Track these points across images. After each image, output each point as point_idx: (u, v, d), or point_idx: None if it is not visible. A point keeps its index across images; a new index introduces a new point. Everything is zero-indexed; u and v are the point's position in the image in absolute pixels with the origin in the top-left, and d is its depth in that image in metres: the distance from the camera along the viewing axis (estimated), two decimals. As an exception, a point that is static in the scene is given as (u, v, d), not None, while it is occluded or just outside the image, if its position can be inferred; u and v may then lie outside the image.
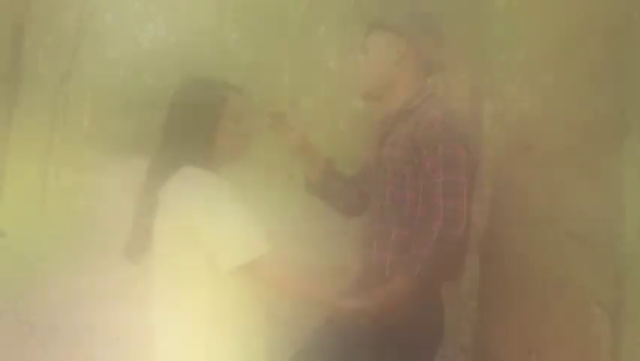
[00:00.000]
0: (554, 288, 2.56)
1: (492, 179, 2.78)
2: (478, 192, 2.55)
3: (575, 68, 2.58)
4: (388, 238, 2.60)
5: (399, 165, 2.56)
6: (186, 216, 2.34)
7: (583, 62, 2.57)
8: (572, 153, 2.57)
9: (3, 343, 5.37)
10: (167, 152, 2.50)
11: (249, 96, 2.62)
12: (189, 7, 20.20)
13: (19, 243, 9.51)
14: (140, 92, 26.95)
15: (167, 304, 2.48)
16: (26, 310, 6.37)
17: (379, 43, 2.66)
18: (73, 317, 6.18)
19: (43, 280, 7.77)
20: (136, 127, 25.78)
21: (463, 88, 7.51)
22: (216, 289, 2.41)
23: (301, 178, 2.81)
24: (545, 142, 2.59)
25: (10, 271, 7.89)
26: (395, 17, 2.68)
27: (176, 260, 2.42)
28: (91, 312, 6.36)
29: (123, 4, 22.50)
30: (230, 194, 2.40)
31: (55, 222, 11.99)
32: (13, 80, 10.88)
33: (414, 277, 2.39)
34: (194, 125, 2.49)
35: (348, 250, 3.11)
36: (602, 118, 2.57)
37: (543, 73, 2.63)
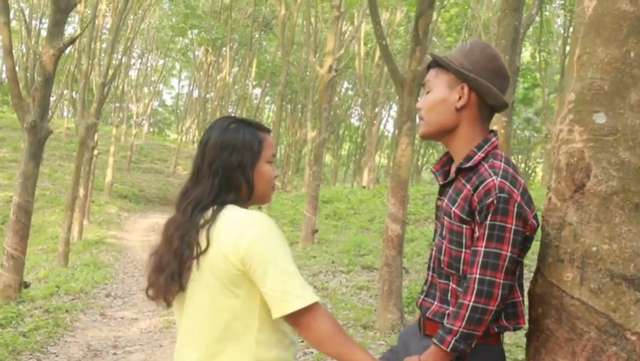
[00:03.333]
0: (608, 333, 2.58)
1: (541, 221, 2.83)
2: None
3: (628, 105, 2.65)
4: (448, 294, 2.74)
5: (455, 222, 2.67)
6: (245, 259, 2.50)
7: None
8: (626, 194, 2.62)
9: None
10: (207, 190, 2.66)
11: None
12: None
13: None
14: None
15: (206, 348, 2.60)
16: None
17: (441, 84, 2.77)
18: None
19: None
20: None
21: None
22: (251, 338, 2.57)
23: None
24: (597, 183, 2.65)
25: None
26: (459, 59, 2.78)
27: (222, 303, 2.58)
28: None
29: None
30: (284, 239, 2.59)
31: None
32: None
33: (445, 351, 2.57)
34: (237, 165, 2.67)
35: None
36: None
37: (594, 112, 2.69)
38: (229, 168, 2.65)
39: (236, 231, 2.53)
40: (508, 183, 2.57)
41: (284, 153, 42.03)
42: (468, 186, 2.66)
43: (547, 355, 2.68)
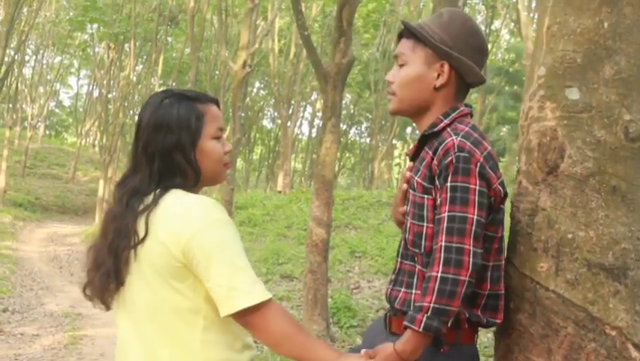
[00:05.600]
0: (586, 328, 2.51)
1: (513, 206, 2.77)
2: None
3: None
4: (414, 277, 2.62)
5: (418, 193, 2.57)
6: (187, 250, 2.34)
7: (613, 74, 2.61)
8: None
9: None
10: (146, 178, 2.48)
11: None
12: None
13: None
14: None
15: (146, 350, 2.46)
16: None
17: (417, 59, 2.69)
18: None
19: None
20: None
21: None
22: (195, 338, 2.41)
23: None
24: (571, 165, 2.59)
25: None
26: (439, 33, 2.69)
27: (162, 299, 2.42)
28: None
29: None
30: (234, 226, 2.43)
31: None
32: None
33: (418, 332, 2.38)
34: (174, 146, 2.48)
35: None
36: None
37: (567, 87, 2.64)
38: (166, 151, 2.47)
39: (178, 218, 2.36)
40: (469, 143, 2.48)
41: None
42: (430, 152, 2.58)
43: (520, 353, 2.59)
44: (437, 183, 2.49)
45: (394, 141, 45.15)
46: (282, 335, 2.35)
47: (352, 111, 47.12)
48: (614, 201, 2.53)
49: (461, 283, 2.37)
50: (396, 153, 51.53)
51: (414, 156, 2.75)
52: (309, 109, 48.45)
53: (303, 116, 49.96)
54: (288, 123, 34.97)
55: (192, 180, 2.51)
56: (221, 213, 2.40)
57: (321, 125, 9.79)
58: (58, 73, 53.47)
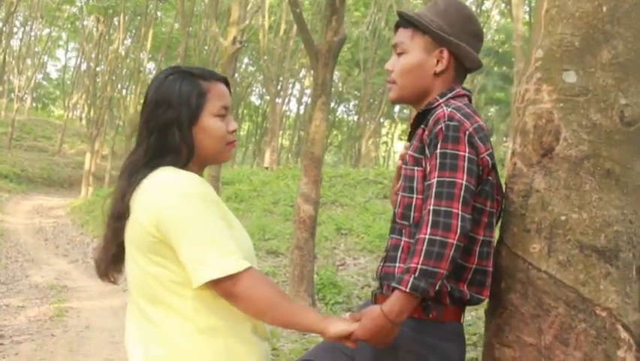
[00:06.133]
0: (577, 309, 2.54)
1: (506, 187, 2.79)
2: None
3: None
4: (398, 250, 2.63)
5: (409, 166, 2.60)
6: (159, 224, 2.34)
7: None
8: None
9: None
10: (143, 152, 2.48)
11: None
12: None
13: None
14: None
15: (141, 322, 2.45)
16: None
17: (416, 47, 2.72)
18: None
19: None
20: None
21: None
22: (187, 306, 2.38)
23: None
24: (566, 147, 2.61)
25: None
26: (436, 20, 2.72)
27: (148, 274, 2.41)
28: None
29: None
30: (210, 200, 2.39)
31: None
32: None
33: (405, 292, 2.37)
34: (172, 122, 2.47)
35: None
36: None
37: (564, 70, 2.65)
38: (164, 125, 2.45)
39: (153, 195, 2.36)
40: (459, 114, 2.50)
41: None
42: (422, 126, 2.62)
43: (511, 332, 2.61)
44: (427, 152, 2.52)
45: (382, 120, 45.20)
46: (265, 304, 2.32)
47: (341, 89, 47.03)
48: (607, 184, 2.55)
49: (449, 245, 2.37)
50: (383, 131, 51.64)
51: (410, 135, 2.78)
52: (297, 86, 48.41)
53: (291, 94, 49.90)
54: (277, 100, 34.91)
55: (185, 157, 2.48)
56: (195, 187, 2.36)
57: (309, 103, 9.77)
58: (46, 45, 53.19)
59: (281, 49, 35.19)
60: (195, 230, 2.30)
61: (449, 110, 2.51)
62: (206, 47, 36.70)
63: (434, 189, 2.43)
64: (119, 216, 2.43)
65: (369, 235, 16.14)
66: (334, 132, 53.75)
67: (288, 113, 52.17)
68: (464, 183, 2.42)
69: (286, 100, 44.05)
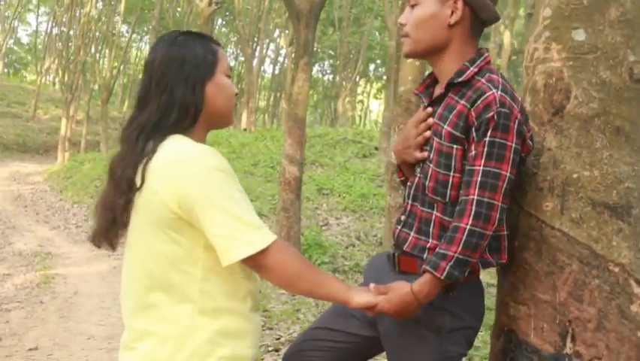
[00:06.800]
0: (590, 265, 2.57)
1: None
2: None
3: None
4: (430, 225, 2.63)
5: (445, 142, 2.56)
6: (182, 201, 2.30)
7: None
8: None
9: None
10: (154, 112, 2.43)
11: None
12: None
13: None
14: None
15: (141, 298, 2.44)
16: None
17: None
18: None
19: None
20: None
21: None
22: (193, 288, 2.39)
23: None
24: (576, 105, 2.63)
25: None
26: None
27: (157, 251, 2.39)
28: None
29: None
30: (230, 173, 2.38)
31: None
32: None
33: (439, 278, 2.44)
34: (187, 78, 2.45)
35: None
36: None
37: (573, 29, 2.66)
38: (178, 81, 2.42)
39: (174, 168, 2.32)
40: (508, 98, 2.47)
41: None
42: (462, 102, 2.55)
43: (525, 290, 2.64)
44: (474, 135, 2.49)
45: (357, 79, 45.08)
46: (291, 274, 2.36)
47: (316, 48, 46.84)
48: (617, 142, 2.57)
49: (485, 237, 2.43)
50: (359, 90, 51.48)
51: (433, 101, 2.73)
52: (272, 46, 48.11)
53: (266, 54, 49.62)
54: (254, 62, 34.71)
55: (191, 117, 2.45)
56: (216, 160, 2.34)
57: (285, 63, 9.72)
58: (17, 10, 52.45)
59: (256, 9, 34.94)
60: (223, 206, 2.29)
61: (499, 93, 2.47)
62: (179, 9, 36.38)
63: (479, 178, 2.44)
64: (131, 186, 2.37)
65: (351, 195, 16.21)
66: (310, 92, 53.53)
67: (263, 74, 51.96)
68: (508, 175, 2.44)
69: (262, 61, 43.76)
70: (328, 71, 55.11)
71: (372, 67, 47.52)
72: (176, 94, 2.43)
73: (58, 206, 20.24)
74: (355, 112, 50.91)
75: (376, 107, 63.86)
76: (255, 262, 2.33)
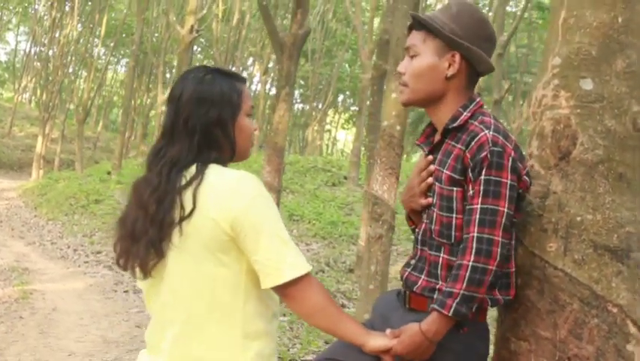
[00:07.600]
0: (590, 305, 2.60)
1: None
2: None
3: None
4: (438, 267, 2.66)
5: (446, 186, 2.61)
6: (235, 223, 2.34)
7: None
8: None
9: None
10: (185, 150, 2.46)
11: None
12: None
13: None
14: None
15: (189, 322, 2.44)
16: None
17: (428, 50, 2.69)
18: None
19: None
20: None
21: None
22: (238, 311, 2.42)
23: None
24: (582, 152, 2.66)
25: None
26: (449, 24, 2.69)
27: (207, 274, 2.41)
28: None
29: None
30: (272, 201, 2.45)
31: None
32: None
33: (446, 316, 2.46)
34: (216, 120, 2.49)
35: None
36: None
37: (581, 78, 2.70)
38: (208, 124, 2.46)
39: (226, 193, 2.35)
40: (501, 137, 2.52)
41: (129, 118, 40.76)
42: (459, 145, 2.60)
43: (527, 327, 2.66)
44: (470, 175, 2.53)
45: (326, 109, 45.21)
46: (315, 307, 2.38)
47: (287, 78, 46.87)
48: (620, 187, 2.61)
49: (489, 272, 2.45)
50: (327, 119, 51.58)
51: (433, 148, 2.77)
52: (245, 74, 48.11)
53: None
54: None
55: (228, 154, 2.51)
56: (262, 187, 2.42)
57: (258, 90, 9.75)
58: (-4, 28, 52.11)
59: (233, 38, 34.94)
60: (273, 230, 2.34)
61: (491, 133, 2.51)
62: (156, 34, 36.30)
63: (478, 216, 2.48)
64: (181, 213, 2.38)
65: (321, 222, 16.24)
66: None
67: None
68: (506, 210, 2.47)
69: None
70: (298, 100, 55.27)
71: (340, 98, 47.69)
72: (210, 137, 2.47)
73: (33, 222, 20.03)
74: (323, 141, 50.99)
75: (343, 137, 64.00)
76: (287, 289, 2.37)
